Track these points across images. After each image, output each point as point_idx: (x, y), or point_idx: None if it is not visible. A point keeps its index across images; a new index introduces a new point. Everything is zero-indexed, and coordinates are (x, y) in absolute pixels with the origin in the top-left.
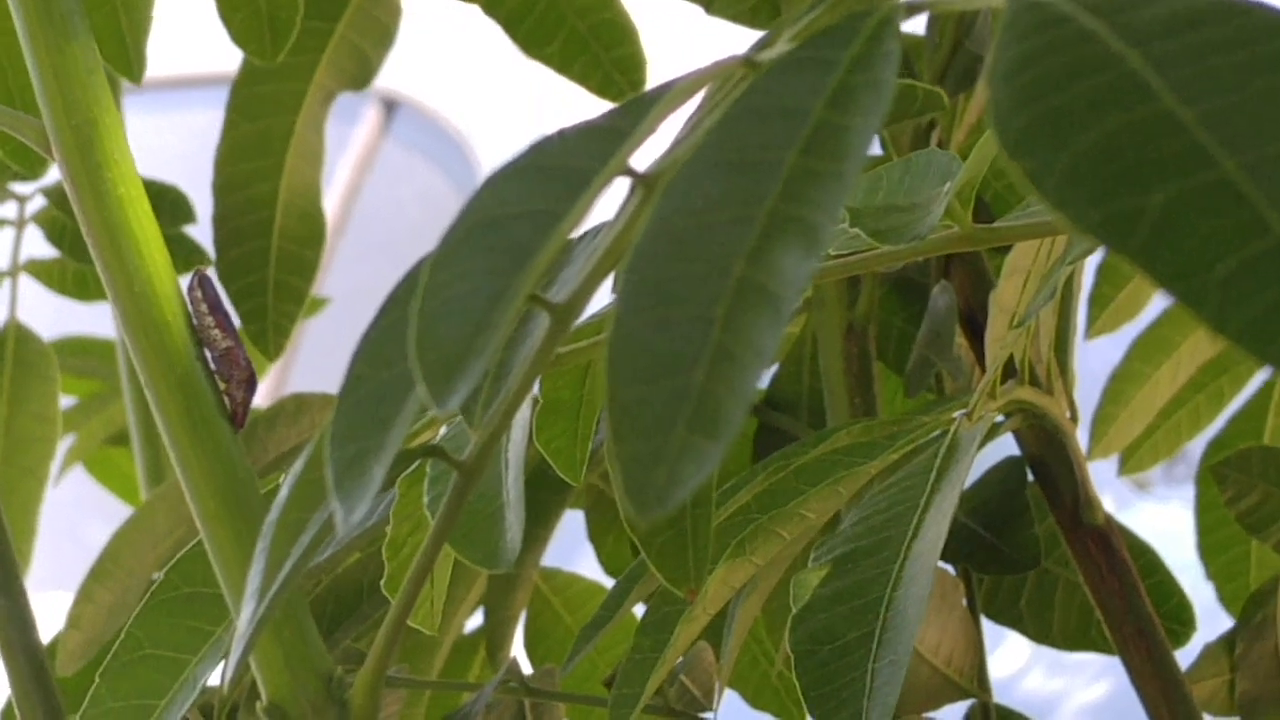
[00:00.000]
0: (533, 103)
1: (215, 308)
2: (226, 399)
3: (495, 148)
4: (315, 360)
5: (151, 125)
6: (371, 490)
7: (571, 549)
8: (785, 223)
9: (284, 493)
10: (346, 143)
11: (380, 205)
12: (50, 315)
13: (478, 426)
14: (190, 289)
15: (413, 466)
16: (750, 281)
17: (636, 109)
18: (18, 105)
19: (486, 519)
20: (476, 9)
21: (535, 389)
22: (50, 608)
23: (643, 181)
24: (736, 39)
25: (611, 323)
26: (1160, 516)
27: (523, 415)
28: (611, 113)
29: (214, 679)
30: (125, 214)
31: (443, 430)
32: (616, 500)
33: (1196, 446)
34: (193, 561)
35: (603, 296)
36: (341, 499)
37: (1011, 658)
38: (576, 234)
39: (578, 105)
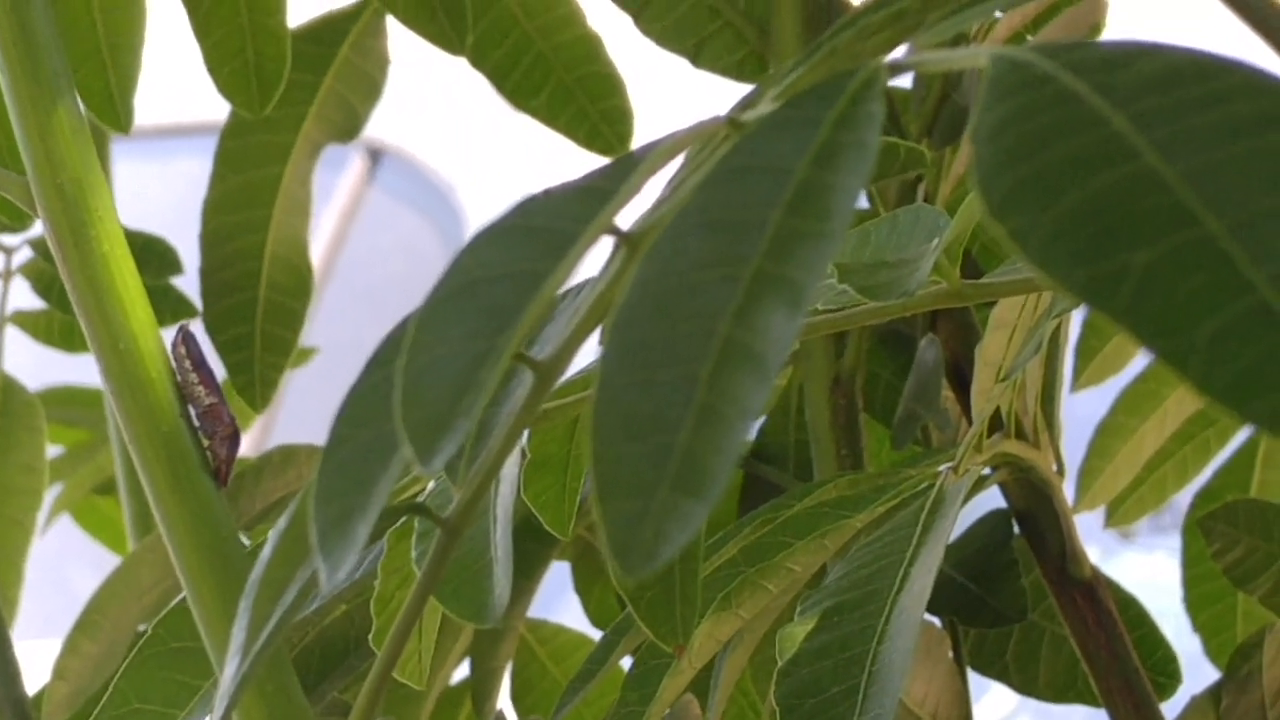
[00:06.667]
0: (520, 151)
1: (199, 364)
2: (210, 455)
3: (481, 196)
4: (300, 410)
5: (141, 173)
6: (355, 548)
7: (552, 600)
8: (770, 282)
9: (268, 550)
10: (331, 191)
11: (365, 254)
12: (31, 364)
13: (461, 484)
14: (174, 346)
15: (400, 521)
16: (735, 341)
17: (620, 169)
18: None
19: (474, 574)
20: (463, 59)
21: (524, 443)
22: (37, 656)
23: (627, 240)
24: (724, 92)
25: (595, 383)
26: (1145, 565)
27: (510, 470)
28: (595, 173)
29: None
30: (109, 271)
31: (430, 485)
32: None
33: (1182, 496)
34: (180, 616)
35: (588, 352)
36: (326, 557)
37: (997, 708)
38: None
39: (565, 155)
